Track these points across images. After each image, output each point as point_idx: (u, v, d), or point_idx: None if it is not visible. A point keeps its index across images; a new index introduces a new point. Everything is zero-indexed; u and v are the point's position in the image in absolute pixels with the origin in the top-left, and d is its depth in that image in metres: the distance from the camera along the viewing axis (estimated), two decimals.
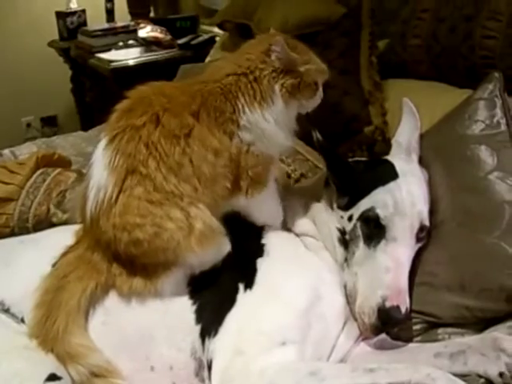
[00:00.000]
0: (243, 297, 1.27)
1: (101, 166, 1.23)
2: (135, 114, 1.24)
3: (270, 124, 1.26)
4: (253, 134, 1.26)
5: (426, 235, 1.37)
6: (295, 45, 1.32)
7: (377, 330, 1.28)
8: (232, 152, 1.25)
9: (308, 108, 1.35)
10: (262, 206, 1.36)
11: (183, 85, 1.34)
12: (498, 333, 1.24)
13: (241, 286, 1.28)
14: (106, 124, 1.29)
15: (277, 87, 1.26)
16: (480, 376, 1.18)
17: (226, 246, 1.28)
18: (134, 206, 1.19)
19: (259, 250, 1.35)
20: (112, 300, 1.27)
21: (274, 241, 1.38)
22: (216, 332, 1.23)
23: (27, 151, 2.30)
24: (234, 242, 1.29)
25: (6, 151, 2.31)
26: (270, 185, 1.35)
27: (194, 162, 1.21)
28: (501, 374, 1.15)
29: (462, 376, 1.15)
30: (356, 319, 1.32)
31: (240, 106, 1.25)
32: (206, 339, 1.23)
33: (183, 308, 1.27)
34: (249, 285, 1.28)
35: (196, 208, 1.21)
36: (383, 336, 1.33)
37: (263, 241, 1.37)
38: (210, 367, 1.21)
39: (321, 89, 1.35)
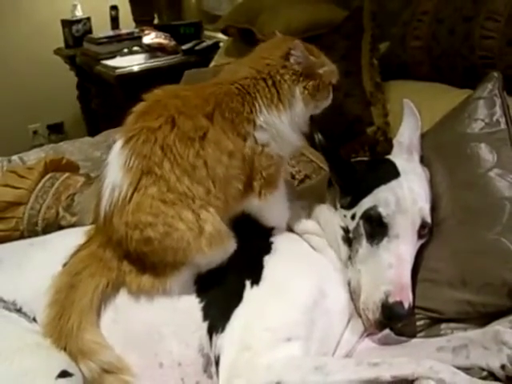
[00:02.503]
0: (250, 293, 1.29)
1: (116, 166, 1.25)
2: (151, 117, 1.26)
3: (284, 125, 1.29)
4: (268, 135, 1.28)
5: (427, 232, 1.39)
6: (310, 48, 1.34)
7: (381, 325, 1.30)
8: (246, 153, 1.26)
9: (321, 108, 1.37)
10: (273, 207, 1.38)
11: (196, 87, 1.35)
12: (499, 326, 1.25)
13: (247, 283, 1.30)
14: (122, 126, 1.31)
15: (297, 90, 1.29)
16: (482, 369, 1.19)
17: (232, 247, 1.30)
18: (147, 204, 1.21)
19: (267, 248, 1.37)
20: (122, 298, 1.30)
21: (281, 239, 1.41)
22: (223, 328, 1.25)
23: (35, 157, 2.32)
24: (242, 240, 1.32)
25: (15, 157, 2.34)
26: (280, 186, 1.37)
27: (208, 164, 1.23)
28: (503, 367, 1.17)
29: (464, 369, 1.16)
30: (360, 315, 1.34)
31: (257, 107, 1.27)
32: (214, 335, 1.26)
33: (191, 305, 1.29)
34: (255, 281, 1.30)
35: (206, 211, 1.23)
36: (387, 331, 1.35)
37: (272, 239, 1.40)
38: (217, 363, 1.23)
39: (331, 90, 1.38)
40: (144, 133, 1.25)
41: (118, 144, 1.28)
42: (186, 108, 1.27)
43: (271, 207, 1.37)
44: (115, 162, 1.27)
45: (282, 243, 1.40)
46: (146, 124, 1.26)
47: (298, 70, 1.29)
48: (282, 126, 1.29)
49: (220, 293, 1.30)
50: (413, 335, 1.37)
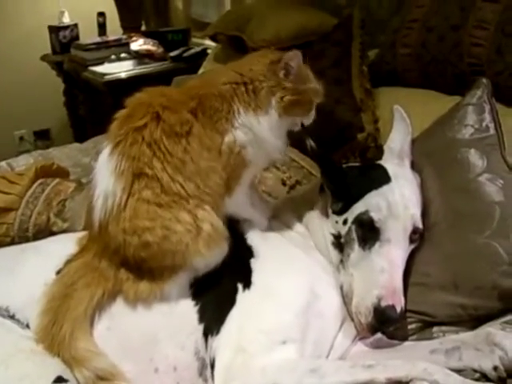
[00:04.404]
0: (242, 297, 1.29)
1: (106, 173, 1.25)
2: (136, 118, 1.26)
3: (263, 129, 1.28)
4: (247, 138, 1.28)
5: (419, 237, 1.40)
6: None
7: (373, 329, 1.31)
8: (223, 150, 1.27)
9: (298, 126, 1.36)
10: (239, 202, 1.38)
11: (180, 88, 1.38)
12: (491, 328, 1.26)
13: (240, 286, 1.31)
14: (107, 133, 1.31)
15: (273, 100, 1.28)
16: (475, 370, 1.20)
17: (226, 247, 1.30)
18: (144, 209, 1.21)
19: (249, 252, 1.37)
20: (117, 306, 1.29)
21: (259, 242, 1.40)
22: (218, 331, 1.25)
23: (23, 163, 2.31)
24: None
25: (3, 163, 2.32)
26: (242, 183, 1.35)
27: (194, 159, 1.24)
28: (495, 368, 1.18)
29: (457, 371, 1.17)
30: (353, 319, 1.35)
31: (235, 108, 1.27)
32: (209, 338, 1.26)
33: (186, 309, 1.29)
34: (247, 285, 1.31)
35: (203, 210, 1.24)
36: (379, 335, 1.35)
37: (249, 243, 1.40)
38: (212, 366, 1.23)
39: (314, 109, 1.36)
40: (130, 135, 1.25)
41: (106, 151, 1.27)
42: (171, 103, 1.27)
43: (238, 202, 1.37)
44: (104, 169, 1.26)
45: (262, 246, 1.39)
46: (131, 126, 1.25)
47: (281, 80, 1.28)
48: (260, 129, 1.28)
49: (214, 296, 1.30)
50: (405, 339, 1.38)
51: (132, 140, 1.24)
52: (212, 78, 1.35)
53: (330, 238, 1.43)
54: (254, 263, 1.35)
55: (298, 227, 1.49)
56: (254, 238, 1.41)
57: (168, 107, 1.26)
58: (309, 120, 1.37)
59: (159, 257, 1.23)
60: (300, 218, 1.51)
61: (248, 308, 1.28)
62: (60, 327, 1.23)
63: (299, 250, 1.43)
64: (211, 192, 1.26)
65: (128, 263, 1.26)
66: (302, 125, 1.37)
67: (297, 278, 1.35)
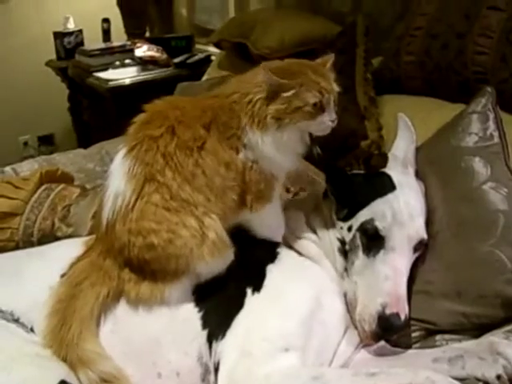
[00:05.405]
0: (251, 300, 1.30)
1: (119, 174, 1.27)
2: (153, 126, 1.27)
3: (268, 147, 1.27)
4: (255, 153, 1.28)
5: (423, 246, 1.40)
6: (285, 69, 1.28)
7: (377, 336, 1.31)
8: (238, 166, 1.27)
9: (313, 129, 1.30)
10: (264, 220, 1.38)
11: (196, 99, 1.38)
12: (494, 337, 1.27)
13: (249, 290, 1.31)
14: (125, 136, 1.33)
15: (267, 113, 1.26)
16: (478, 379, 1.20)
17: (230, 257, 1.31)
18: (151, 212, 1.22)
19: (272, 257, 1.38)
20: (121, 308, 1.30)
21: (287, 250, 1.42)
22: (224, 335, 1.25)
23: (28, 168, 2.31)
24: (247, 249, 1.33)
25: (8, 168, 2.32)
26: (273, 201, 1.36)
27: (206, 173, 1.25)
28: (498, 377, 1.18)
29: (460, 380, 1.18)
30: (356, 327, 1.34)
31: (243, 125, 1.27)
32: (214, 343, 1.26)
33: (189, 314, 1.29)
34: (257, 288, 1.31)
35: (209, 218, 1.25)
36: (382, 343, 1.35)
37: (278, 249, 1.41)
38: (216, 371, 1.23)
39: (329, 108, 1.31)
40: (146, 141, 1.26)
41: (121, 153, 1.29)
42: (185, 118, 1.28)
43: (262, 220, 1.38)
44: (118, 170, 1.28)
45: (287, 254, 1.41)
46: (148, 132, 1.27)
47: (267, 93, 1.25)
48: (265, 148, 1.27)
49: (220, 301, 1.30)
50: (408, 346, 1.38)
51: (147, 146, 1.26)
52: (227, 88, 1.35)
53: (337, 244, 1.43)
54: (271, 268, 1.36)
55: (307, 232, 1.49)
56: (284, 247, 1.43)
57: (182, 122, 1.27)
58: (324, 122, 1.30)
59: (163, 260, 1.24)
60: (307, 225, 1.50)
61: (255, 312, 1.28)
62: (69, 328, 1.24)
63: (308, 257, 1.44)
64: (222, 205, 1.27)
65: (131, 264, 1.27)
66: (310, 135, 1.35)
67: (305, 285, 1.35)
